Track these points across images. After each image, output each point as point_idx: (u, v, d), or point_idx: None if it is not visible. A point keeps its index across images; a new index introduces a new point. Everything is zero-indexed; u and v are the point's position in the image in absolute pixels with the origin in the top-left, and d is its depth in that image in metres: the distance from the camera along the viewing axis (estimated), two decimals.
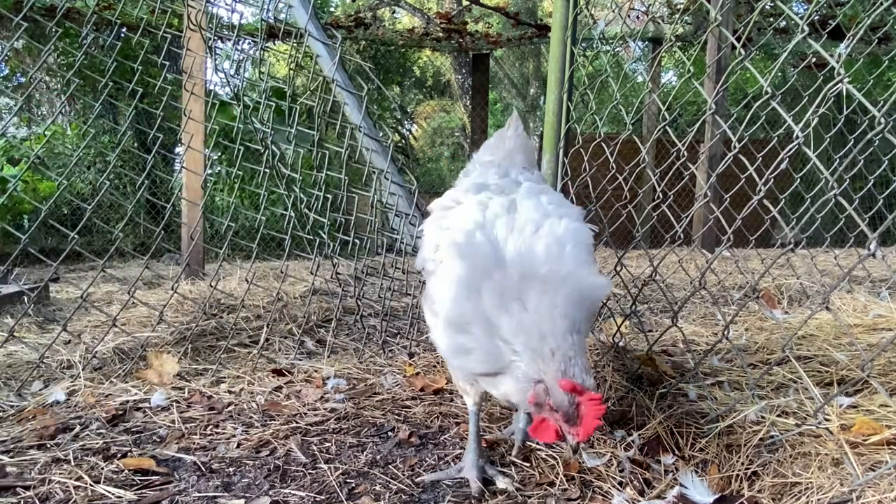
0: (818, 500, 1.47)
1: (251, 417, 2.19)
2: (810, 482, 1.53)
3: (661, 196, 2.43)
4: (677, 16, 7.76)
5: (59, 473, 1.72)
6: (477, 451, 1.78)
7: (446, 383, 2.47)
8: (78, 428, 2.06)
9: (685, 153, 2.28)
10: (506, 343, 1.42)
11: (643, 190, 5.66)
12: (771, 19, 7.14)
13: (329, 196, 3.18)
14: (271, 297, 3.69)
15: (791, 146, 1.83)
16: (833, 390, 2.11)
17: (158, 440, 2.01)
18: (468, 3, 11.21)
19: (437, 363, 2.77)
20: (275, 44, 7.22)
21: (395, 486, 1.71)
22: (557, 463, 1.78)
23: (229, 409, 2.27)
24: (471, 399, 1.80)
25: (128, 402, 2.30)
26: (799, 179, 2.93)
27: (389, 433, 2.08)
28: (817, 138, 3.01)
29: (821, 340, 2.66)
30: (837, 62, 1.57)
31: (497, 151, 2.10)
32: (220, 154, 7.70)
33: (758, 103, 2.01)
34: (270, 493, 1.67)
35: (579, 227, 1.64)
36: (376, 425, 2.13)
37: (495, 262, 1.49)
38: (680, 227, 2.47)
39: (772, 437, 1.75)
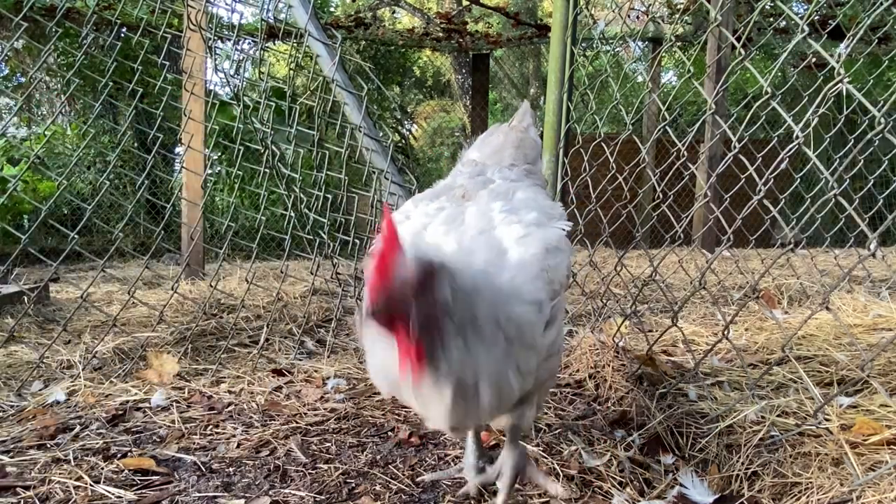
0: (818, 500, 1.47)
1: (251, 417, 2.19)
2: (810, 482, 1.53)
3: (661, 196, 2.43)
4: (677, 16, 7.75)
5: (59, 473, 1.72)
6: (476, 451, 1.77)
7: None
8: (78, 428, 2.06)
9: (685, 153, 2.28)
10: None
11: (643, 190, 5.65)
12: (771, 19, 7.14)
13: (329, 196, 3.18)
14: (271, 297, 3.69)
15: (791, 146, 1.84)
16: (833, 390, 2.11)
17: (158, 440, 2.01)
18: (468, 3, 11.20)
19: None
20: (275, 44, 7.22)
21: (395, 486, 1.71)
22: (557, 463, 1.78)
23: (229, 409, 2.27)
24: None
25: (128, 402, 2.30)
26: (799, 179, 2.93)
27: (389, 433, 2.08)
28: (817, 138, 3.01)
29: (821, 340, 2.66)
30: (837, 62, 1.57)
31: (485, 147, 1.91)
32: (220, 154, 7.70)
33: (758, 103, 2.01)
34: (270, 493, 1.67)
35: (528, 234, 1.38)
36: (376, 425, 2.13)
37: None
38: (680, 227, 2.47)
39: (772, 437, 1.75)
